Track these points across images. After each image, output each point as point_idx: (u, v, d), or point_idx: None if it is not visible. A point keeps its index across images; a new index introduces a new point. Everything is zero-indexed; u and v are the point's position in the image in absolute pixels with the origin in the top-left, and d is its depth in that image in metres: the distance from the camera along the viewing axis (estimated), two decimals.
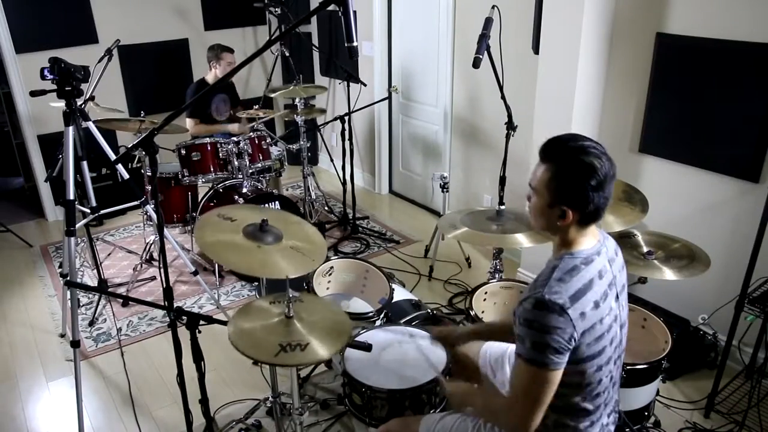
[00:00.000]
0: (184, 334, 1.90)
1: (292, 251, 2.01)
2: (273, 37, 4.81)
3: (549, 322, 1.37)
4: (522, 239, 2.42)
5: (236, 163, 3.79)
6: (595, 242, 1.51)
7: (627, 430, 2.20)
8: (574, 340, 1.39)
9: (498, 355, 2.06)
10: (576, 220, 1.46)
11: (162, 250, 1.90)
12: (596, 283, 1.45)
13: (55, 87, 2.80)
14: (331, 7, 1.71)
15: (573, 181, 1.42)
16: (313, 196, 4.70)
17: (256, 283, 3.76)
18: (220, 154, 3.77)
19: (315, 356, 1.80)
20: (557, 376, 1.42)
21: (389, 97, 4.98)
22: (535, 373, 1.40)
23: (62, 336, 3.36)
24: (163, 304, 1.93)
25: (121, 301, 3.64)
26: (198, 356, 1.94)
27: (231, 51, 4.44)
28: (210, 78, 4.46)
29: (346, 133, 4.31)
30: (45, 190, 4.89)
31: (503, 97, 2.99)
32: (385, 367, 2.10)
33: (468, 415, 1.75)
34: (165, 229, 2.33)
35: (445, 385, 1.85)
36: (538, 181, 1.49)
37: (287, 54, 5.25)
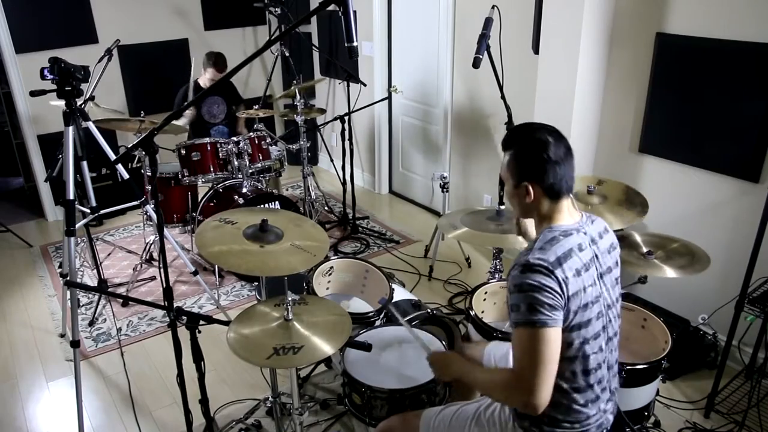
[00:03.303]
0: (184, 334, 1.90)
1: (294, 249, 2.02)
2: (273, 37, 4.79)
3: (538, 281, 1.43)
4: (522, 239, 2.41)
5: (236, 163, 3.79)
6: (573, 221, 1.58)
7: (627, 430, 2.19)
8: (566, 299, 1.44)
9: (502, 354, 2.06)
10: (541, 193, 1.54)
11: (162, 250, 1.90)
12: (575, 254, 1.50)
13: (55, 87, 2.80)
14: (331, 7, 1.71)
15: (529, 157, 1.54)
16: (313, 196, 4.69)
17: (256, 283, 3.76)
18: (220, 154, 3.76)
19: (308, 359, 1.81)
20: (556, 335, 1.44)
21: (389, 97, 4.98)
22: (535, 333, 1.42)
23: (62, 336, 3.36)
24: (163, 304, 1.93)
25: (121, 301, 3.64)
26: (198, 356, 1.95)
27: (220, 69, 4.42)
28: (202, 81, 4.47)
29: (346, 133, 4.31)
30: (45, 190, 4.89)
31: (503, 97, 2.99)
32: (385, 367, 2.10)
33: (469, 403, 1.76)
34: (165, 229, 2.33)
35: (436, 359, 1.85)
36: (503, 170, 1.61)
37: (287, 54, 5.25)
